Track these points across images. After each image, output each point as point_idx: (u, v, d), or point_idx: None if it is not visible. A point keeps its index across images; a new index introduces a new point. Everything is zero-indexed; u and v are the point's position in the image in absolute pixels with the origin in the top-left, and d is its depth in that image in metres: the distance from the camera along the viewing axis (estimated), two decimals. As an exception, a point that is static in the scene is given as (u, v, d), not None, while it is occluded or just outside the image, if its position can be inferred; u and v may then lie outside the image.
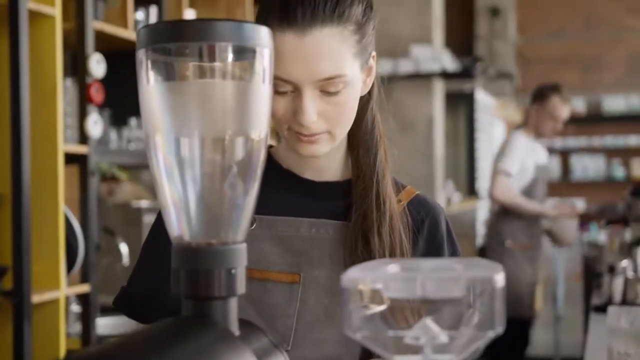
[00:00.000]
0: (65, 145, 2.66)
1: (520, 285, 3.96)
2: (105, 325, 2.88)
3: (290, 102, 1.11)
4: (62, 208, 2.62)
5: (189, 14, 3.36)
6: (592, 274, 4.41)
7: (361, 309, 0.71)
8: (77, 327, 2.97)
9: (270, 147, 1.28)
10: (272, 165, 1.24)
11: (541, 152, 4.22)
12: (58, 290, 2.61)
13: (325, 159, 1.22)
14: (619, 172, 9.74)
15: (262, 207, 0.82)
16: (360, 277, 0.71)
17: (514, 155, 4.03)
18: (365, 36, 1.13)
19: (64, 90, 2.68)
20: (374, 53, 1.19)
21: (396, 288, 0.70)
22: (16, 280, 2.47)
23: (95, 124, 2.79)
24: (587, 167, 9.84)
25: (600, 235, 8.52)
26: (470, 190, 7.06)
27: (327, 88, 1.10)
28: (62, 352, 2.59)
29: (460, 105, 7.02)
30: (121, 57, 3.07)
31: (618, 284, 2.84)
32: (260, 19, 1.12)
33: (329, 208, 1.20)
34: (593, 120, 9.78)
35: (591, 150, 9.83)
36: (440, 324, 0.71)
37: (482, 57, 9.25)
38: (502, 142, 4.40)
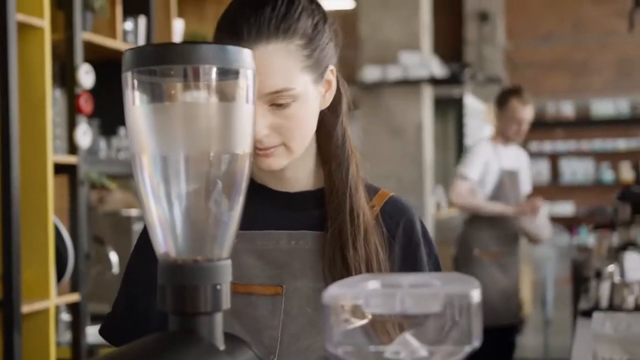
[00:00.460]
0: (54, 155, 2.68)
1: (492, 294, 3.94)
2: (95, 334, 2.89)
3: None
4: (52, 218, 2.63)
5: (178, 24, 3.38)
6: (580, 277, 4.43)
7: (342, 324, 0.73)
8: (67, 336, 2.98)
9: None
10: None
11: (511, 157, 4.14)
12: (48, 300, 2.62)
13: (293, 171, 1.23)
14: (607, 175, 9.80)
15: (241, 222, 0.85)
16: (341, 293, 0.73)
17: (473, 161, 4.05)
18: (317, 50, 1.15)
19: (53, 101, 2.70)
20: (332, 67, 1.21)
21: (376, 304, 0.72)
22: (6, 290, 2.48)
23: (84, 134, 2.80)
24: (576, 170, 9.89)
25: (589, 238, 8.58)
26: (460, 195, 7.08)
27: (276, 101, 1.12)
28: (53, 362, 2.60)
29: (449, 110, 7.07)
30: (110, 67, 3.08)
31: (605, 289, 2.86)
32: (215, 38, 1.15)
33: (305, 219, 1.22)
34: (582, 124, 9.83)
35: (580, 154, 9.88)
36: (419, 339, 0.73)
37: (470, 63, 9.30)
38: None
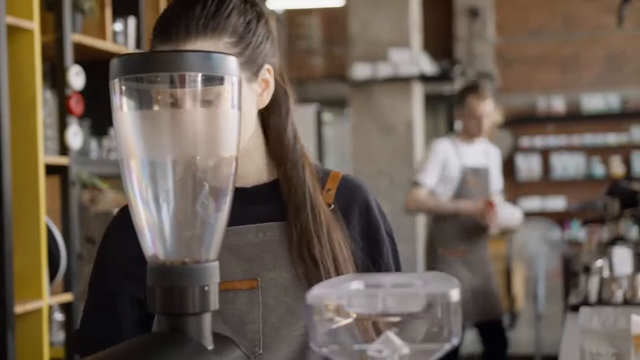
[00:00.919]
0: (45, 156, 2.69)
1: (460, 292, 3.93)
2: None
3: None
4: (44, 219, 2.64)
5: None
6: (571, 272, 4.46)
7: (326, 324, 0.75)
8: (60, 336, 2.99)
9: None
10: None
11: (476, 154, 4.08)
12: (41, 300, 2.64)
13: (242, 169, 1.24)
14: (598, 170, 9.85)
15: None
16: (325, 293, 0.75)
17: (428, 167, 4.04)
18: (248, 48, 1.16)
19: (43, 102, 2.71)
20: (268, 66, 1.22)
21: (359, 304, 0.74)
22: (-1, 291, 2.50)
23: (75, 135, 2.81)
24: (567, 165, 9.93)
25: (580, 233, 8.62)
26: (451, 191, 7.11)
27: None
28: (46, 362, 2.61)
29: (440, 107, 7.09)
30: (100, 68, 3.09)
31: (593, 284, 2.89)
32: (150, 42, 1.18)
33: (268, 211, 1.25)
34: (572, 119, 9.87)
35: (571, 148, 9.92)
36: (401, 337, 0.75)
37: (461, 59, 9.32)
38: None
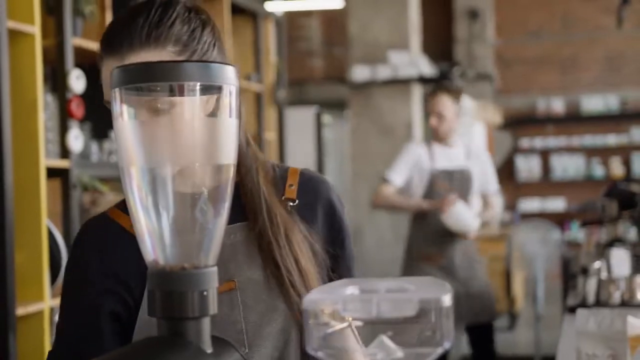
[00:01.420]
0: (46, 159, 2.71)
1: None
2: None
3: None
4: (45, 221, 2.66)
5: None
6: (570, 273, 4.47)
7: (321, 328, 0.77)
8: (61, 338, 3.00)
9: None
10: None
11: (449, 156, 4.02)
12: (42, 302, 2.66)
13: None
14: (598, 171, 9.87)
15: None
16: (320, 298, 0.77)
17: (398, 165, 4.03)
18: (194, 55, 1.18)
19: (44, 106, 2.73)
20: None
21: (354, 309, 0.76)
22: (0, 293, 2.51)
23: (76, 139, 2.83)
24: (567, 166, 9.96)
25: (580, 234, 8.63)
26: (451, 192, 7.13)
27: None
28: (48, 363, 2.63)
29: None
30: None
31: (591, 285, 2.90)
32: (99, 51, 1.20)
33: (233, 212, 1.26)
34: (572, 120, 9.90)
35: (570, 149, 9.94)
36: (395, 341, 0.77)
37: (461, 60, 9.34)
38: None
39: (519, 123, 10.00)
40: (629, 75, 9.78)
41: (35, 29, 2.61)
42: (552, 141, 9.97)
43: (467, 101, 7.66)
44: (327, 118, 6.84)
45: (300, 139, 6.01)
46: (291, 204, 1.26)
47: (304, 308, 0.76)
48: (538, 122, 10.00)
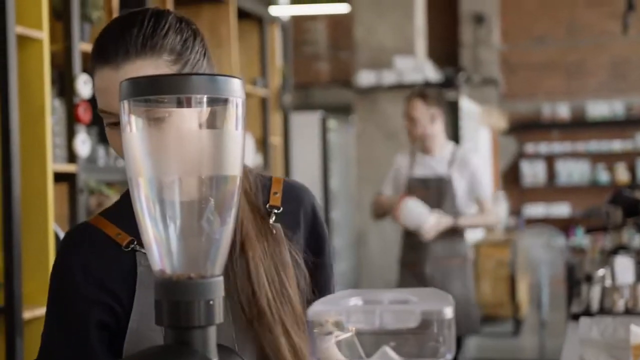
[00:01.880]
0: (54, 164, 2.73)
1: None
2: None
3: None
4: (52, 226, 2.68)
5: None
6: (574, 280, 4.46)
7: (325, 339, 0.79)
8: (67, 341, 3.02)
9: None
10: None
11: (429, 164, 4.02)
12: (48, 306, 2.67)
13: None
14: (603, 176, 9.86)
15: None
16: (324, 310, 0.78)
17: (387, 177, 4.13)
18: (187, 65, 1.19)
19: (52, 110, 2.75)
20: None
21: (357, 320, 0.77)
22: (7, 297, 2.53)
23: (83, 143, 2.85)
24: (572, 172, 9.95)
25: (585, 240, 8.62)
26: (456, 197, 7.13)
27: (152, 117, 1.17)
28: (53, 367, 2.64)
29: (445, 113, 7.10)
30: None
31: (595, 293, 2.91)
32: (90, 60, 1.20)
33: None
34: (577, 125, 9.90)
35: (576, 155, 9.94)
36: (398, 352, 0.78)
37: (466, 65, 9.35)
38: None
39: (524, 128, 10.01)
40: (635, 81, 9.78)
41: (43, 34, 2.63)
42: (557, 146, 9.97)
43: (471, 106, 7.67)
44: (332, 123, 6.85)
45: (305, 144, 6.03)
46: (276, 211, 1.27)
47: (308, 319, 0.77)
48: (543, 128, 10.00)
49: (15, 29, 2.52)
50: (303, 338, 1.21)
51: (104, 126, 1.20)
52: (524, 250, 7.19)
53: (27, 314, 2.57)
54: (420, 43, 5.81)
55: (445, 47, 9.60)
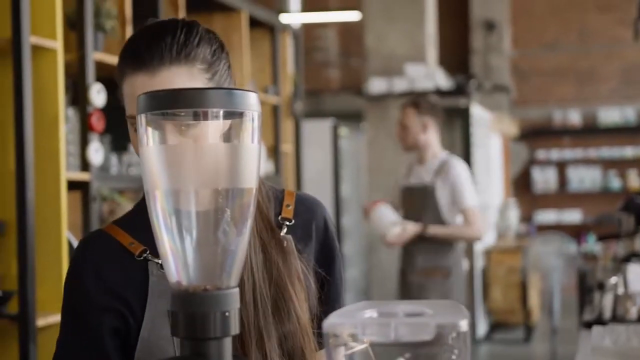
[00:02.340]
0: (67, 172, 2.74)
1: None
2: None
3: None
4: (65, 233, 2.69)
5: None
6: (586, 287, 4.44)
7: (341, 350, 0.79)
8: (80, 349, 3.03)
9: None
10: None
11: (420, 173, 4.03)
12: (62, 314, 2.69)
13: None
14: (615, 183, 9.83)
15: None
16: (340, 322, 0.78)
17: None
18: (216, 75, 1.21)
19: (65, 119, 2.77)
20: None
21: (372, 332, 0.78)
22: (21, 304, 2.55)
23: (96, 152, 2.87)
24: (584, 178, 9.92)
25: (596, 246, 8.60)
26: (467, 204, 7.12)
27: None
28: (66, 374, 2.66)
29: (456, 120, 7.10)
30: (121, 85, 3.15)
31: (608, 301, 2.90)
32: (118, 69, 1.21)
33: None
34: (589, 132, 9.88)
35: (587, 161, 9.92)
36: (413, 363, 0.78)
37: (477, 71, 9.34)
38: None
39: (536, 135, 9.99)
40: (646, 87, 9.76)
41: (57, 44, 2.65)
42: (569, 153, 9.95)
43: (482, 112, 7.66)
44: (343, 130, 6.86)
45: (316, 151, 6.03)
46: (288, 223, 1.28)
47: (324, 332, 0.78)
48: (554, 134, 9.98)
49: (29, 39, 2.54)
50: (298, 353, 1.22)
51: (129, 132, 1.21)
52: (535, 256, 7.18)
53: (40, 322, 2.59)
54: (431, 50, 5.82)
55: (456, 53, 9.60)
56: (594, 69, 9.94)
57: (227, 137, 0.89)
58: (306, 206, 1.33)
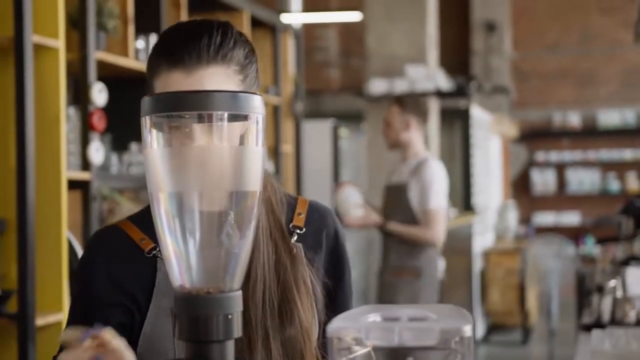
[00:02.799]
0: (68, 171, 2.74)
1: None
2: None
3: None
4: (65, 233, 2.69)
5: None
6: (584, 289, 4.44)
7: (344, 353, 0.79)
8: (79, 348, 3.03)
9: None
10: None
11: (398, 171, 4.03)
12: (61, 313, 2.68)
13: None
14: (614, 185, 9.83)
15: None
16: (343, 327, 0.79)
17: None
18: (248, 77, 1.22)
19: (67, 118, 2.77)
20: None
21: (376, 337, 0.78)
22: (21, 303, 2.55)
23: (97, 151, 2.87)
24: (583, 180, 9.93)
25: (595, 248, 8.60)
26: (466, 206, 7.13)
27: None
28: (65, 373, 2.65)
29: (456, 121, 7.10)
30: (122, 85, 3.16)
31: (607, 304, 2.90)
32: (150, 61, 1.21)
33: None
34: (588, 134, 9.88)
35: (586, 164, 9.92)
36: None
37: (477, 73, 9.34)
38: None
39: (535, 136, 9.99)
40: (647, 90, 9.76)
41: (59, 43, 2.65)
42: (568, 155, 9.95)
43: (482, 114, 7.67)
44: (343, 131, 6.87)
45: (316, 151, 6.03)
46: (298, 231, 1.28)
47: (327, 336, 0.78)
48: (554, 136, 9.99)
49: (32, 38, 2.54)
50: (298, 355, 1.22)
51: None
52: (533, 258, 7.18)
53: (40, 321, 2.59)
54: (433, 51, 5.82)
55: (456, 55, 9.60)
56: (595, 71, 9.94)
57: (231, 140, 0.89)
58: (319, 214, 1.34)
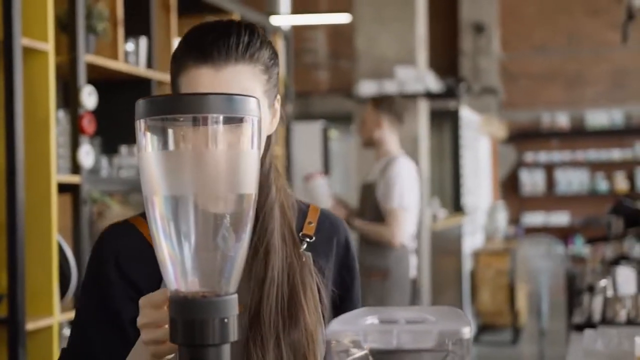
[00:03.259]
0: (58, 175, 2.73)
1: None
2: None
3: None
4: (55, 236, 2.68)
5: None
6: (574, 289, 4.45)
7: (342, 356, 0.79)
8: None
9: None
10: None
11: (373, 171, 4.02)
12: (52, 317, 2.67)
13: None
14: (602, 185, 9.87)
15: None
16: (341, 330, 0.78)
17: None
18: (272, 77, 1.24)
19: (56, 122, 2.75)
20: (278, 97, 1.29)
21: (374, 339, 0.78)
22: (11, 307, 2.53)
23: (87, 154, 2.86)
24: (571, 180, 9.96)
25: (584, 248, 8.64)
26: (456, 206, 7.15)
27: None
28: (56, 378, 2.64)
29: (445, 122, 7.12)
30: (112, 88, 3.15)
31: (597, 304, 2.91)
32: (176, 57, 1.21)
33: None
34: (576, 134, 9.92)
35: (575, 164, 9.96)
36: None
37: (466, 74, 9.36)
38: None
39: (524, 137, 10.02)
40: (634, 90, 9.80)
41: (49, 46, 2.64)
42: (557, 155, 9.99)
43: (471, 115, 7.69)
44: (333, 132, 6.87)
45: (306, 153, 6.04)
46: (308, 240, 1.29)
47: (326, 339, 0.78)
48: (543, 137, 10.02)
49: (21, 41, 2.52)
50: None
51: None
52: (523, 259, 7.20)
53: (30, 325, 2.57)
54: (422, 53, 5.82)
55: (445, 56, 9.62)
56: (583, 72, 9.98)
57: (227, 142, 0.89)
58: (330, 222, 1.34)
